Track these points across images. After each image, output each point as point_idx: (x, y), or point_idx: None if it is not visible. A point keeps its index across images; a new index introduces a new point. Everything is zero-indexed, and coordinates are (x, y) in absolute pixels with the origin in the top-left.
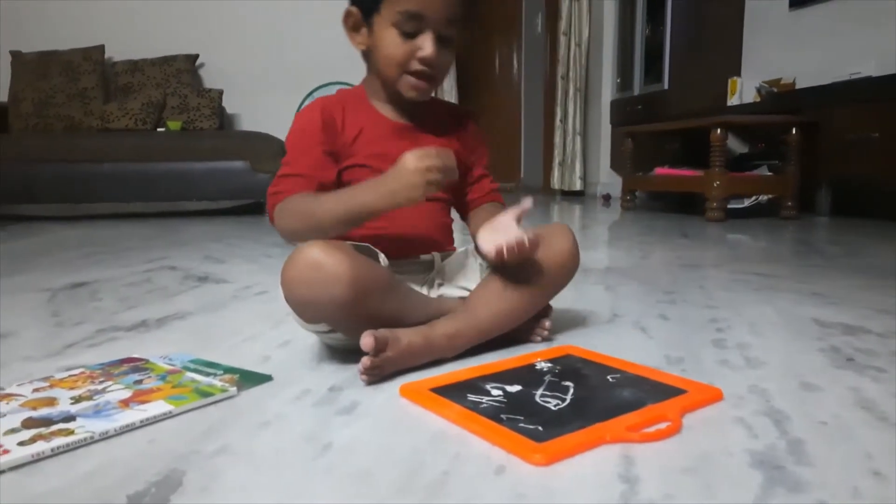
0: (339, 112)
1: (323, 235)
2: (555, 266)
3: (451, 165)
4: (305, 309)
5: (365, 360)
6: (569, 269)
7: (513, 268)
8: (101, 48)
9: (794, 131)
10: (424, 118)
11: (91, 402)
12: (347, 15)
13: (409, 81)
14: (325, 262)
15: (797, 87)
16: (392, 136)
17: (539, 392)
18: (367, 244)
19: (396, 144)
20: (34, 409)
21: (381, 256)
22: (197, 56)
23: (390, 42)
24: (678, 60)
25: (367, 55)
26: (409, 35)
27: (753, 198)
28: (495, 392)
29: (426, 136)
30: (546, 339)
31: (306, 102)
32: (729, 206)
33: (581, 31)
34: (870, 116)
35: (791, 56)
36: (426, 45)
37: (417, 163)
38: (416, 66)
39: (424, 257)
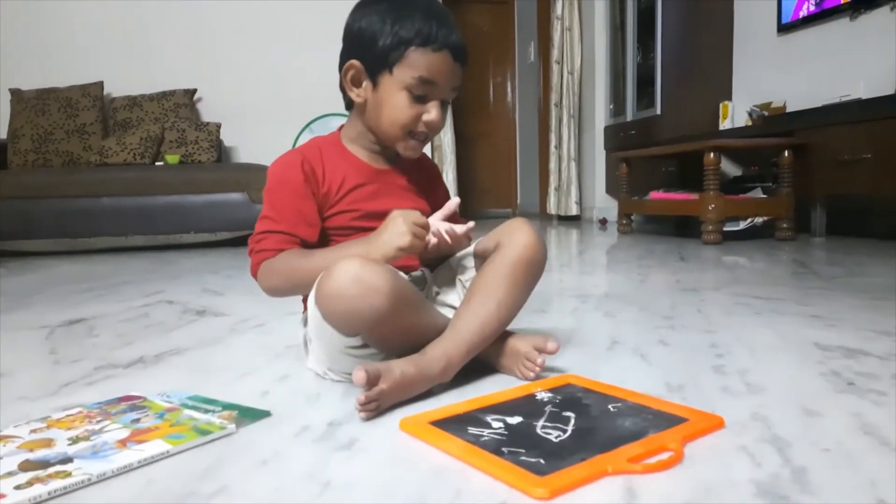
0: (318, 162)
1: (305, 291)
2: (523, 264)
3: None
4: (346, 320)
5: (360, 396)
6: (536, 261)
7: (481, 278)
8: (100, 84)
9: (786, 153)
10: (396, 161)
11: (88, 443)
12: (349, 68)
13: (410, 143)
14: (364, 274)
15: (787, 110)
16: (373, 181)
17: (540, 423)
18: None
19: (378, 188)
20: (31, 450)
21: (401, 273)
22: (195, 90)
23: (399, 104)
24: (670, 86)
25: (361, 106)
26: (418, 98)
27: (749, 220)
28: (496, 424)
29: (401, 178)
30: (538, 377)
31: (303, 134)
32: (725, 229)
33: (573, 60)
34: (861, 137)
35: (780, 80)
36: (434, 110)
37: (407, 217)
38: (420, 128)
39: (415, 274)
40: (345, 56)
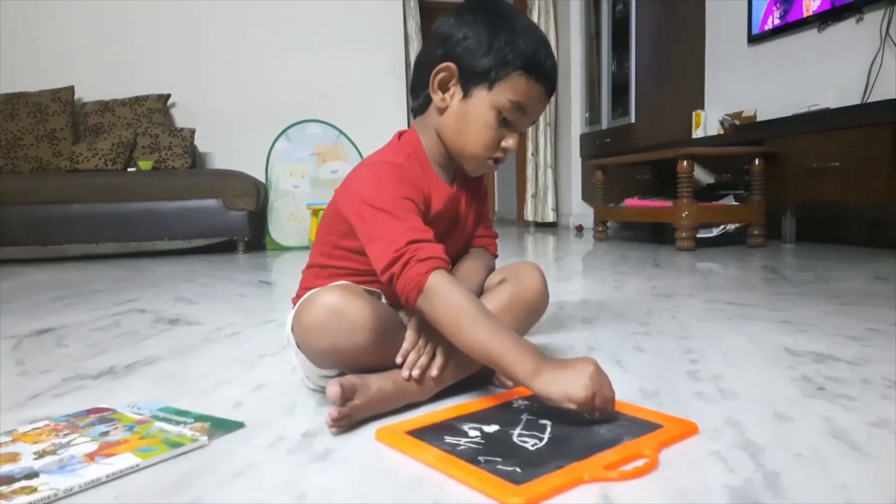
0: (421, 182)
1: (452, 339)
2: (524, 304)
3: (610, 409)
4: (324, 356)
5: (332, 411)
6: (538, 306)
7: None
8: (70, 89)
9: (757, 161)
10: (459, 180)
11: (55, 457)
12: (444, 69)
13: (483, 163)
14: (347, 309)
15: (758, 119)
16: (448, 205)
17: (517, 431)
18: (371, 288)
19: (449, 213)
20: None
21: (383, 297)
22: (168, 96)
23: (486, 123)
24: (644, 95)
25: (439, 112)
26: (504, 122)
27: (721, 227)
28: (473, 433)
29: (463, 201)
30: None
31: (279, 140)
32: (698, 236)
33: None
34: (830, 146)
35: (751, 89)
36: (513, 139)
37: (592, 386)
38: (497, 153)
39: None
40: (434, 57)
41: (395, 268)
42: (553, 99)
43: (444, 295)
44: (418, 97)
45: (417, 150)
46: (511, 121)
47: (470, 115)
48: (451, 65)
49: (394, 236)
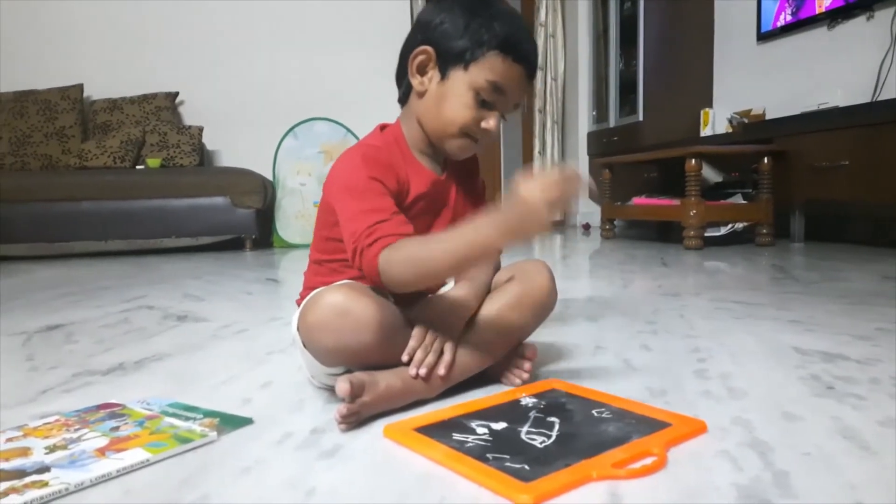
0: (398, 165)
1: (434, 281)
2: (532, 302)
3: (573, 193)
4: (330, 355)
5: (341, 408)
6: (546, 305)
7: (488, 304)
8: (79, 87)
9: (765, 160)
10: (450, 170)
11: (66, 452)
12: (420, 52)
13: (462, 143)
14: (352, 307)
15: (767, 117)
16: (431, 190)
17: (525, 429)
18: (377, 287)
19: (435, 200)
20: (7, 460)
21: (390, 297)
22: (177, 93)
23: (463, 103)
24: (652, 93)
25: (419, 96)
26: (483, 104)
27: (729, 225)
28: (481, 430)
29: (454, 190)
30: (526, 382)
31: (287, 138)
32: (706, 234)
33: (557, 66)
34: (838, 144)
35: (760, 87)
36: (493, 120)
37: (543, 196)
38: (474, 132)
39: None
40: (414, 43)
41: (356, 261)
42: (560, 97)
43: (396, 260)
44: (401, 86)
45: (398, 138)
46: (490, 101)
47: (447, 96)
48: (429, 48)
49: (354, 226)
